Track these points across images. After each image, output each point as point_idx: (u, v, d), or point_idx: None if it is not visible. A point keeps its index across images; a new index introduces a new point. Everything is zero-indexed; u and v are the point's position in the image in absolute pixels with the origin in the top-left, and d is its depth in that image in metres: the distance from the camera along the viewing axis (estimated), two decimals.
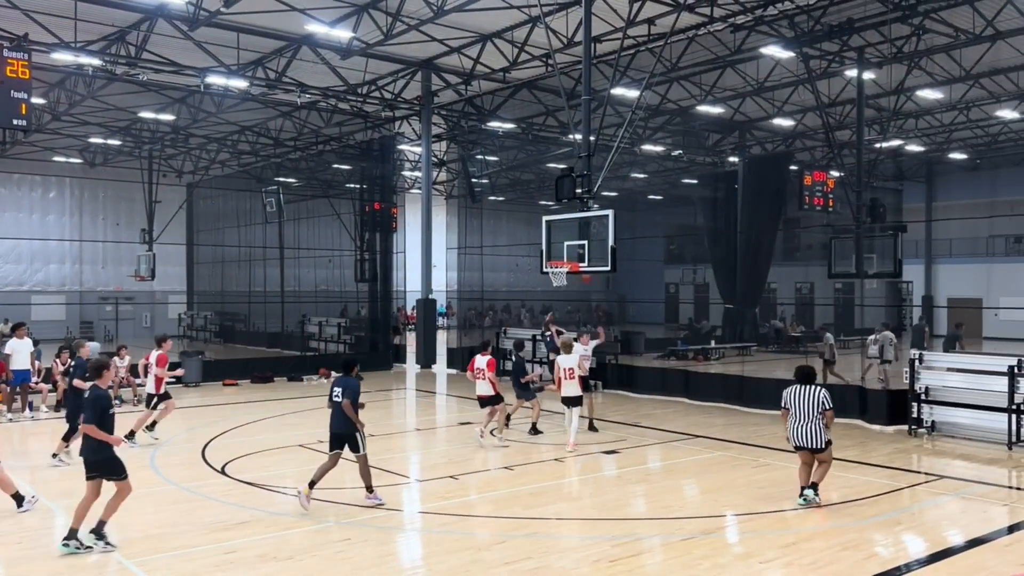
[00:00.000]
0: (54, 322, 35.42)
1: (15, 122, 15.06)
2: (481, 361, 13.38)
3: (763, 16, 18.01)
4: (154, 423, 13.72)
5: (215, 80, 21.60)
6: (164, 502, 10.01)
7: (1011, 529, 9.01)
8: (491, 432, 13.52)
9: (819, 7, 17.74)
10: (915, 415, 14.41)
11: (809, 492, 9.58)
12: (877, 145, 25.98)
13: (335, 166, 34.05)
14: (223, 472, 11.51)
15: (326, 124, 28.46)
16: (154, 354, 13.85)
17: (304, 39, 20.57)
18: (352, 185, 32.03)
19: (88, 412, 8.19)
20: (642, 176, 37.83)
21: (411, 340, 28.93)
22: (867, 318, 25.59)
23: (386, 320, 27.93)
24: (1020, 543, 8.57)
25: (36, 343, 18.09)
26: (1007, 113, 27.01)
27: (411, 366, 26.31)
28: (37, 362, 17.07)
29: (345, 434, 9.64)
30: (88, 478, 8.22)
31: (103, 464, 8.17)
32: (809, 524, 9.16)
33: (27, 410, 16.55)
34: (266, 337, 32.79)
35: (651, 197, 42.87)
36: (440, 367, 25.68)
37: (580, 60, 16.34)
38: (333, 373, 23.67)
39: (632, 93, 20.90)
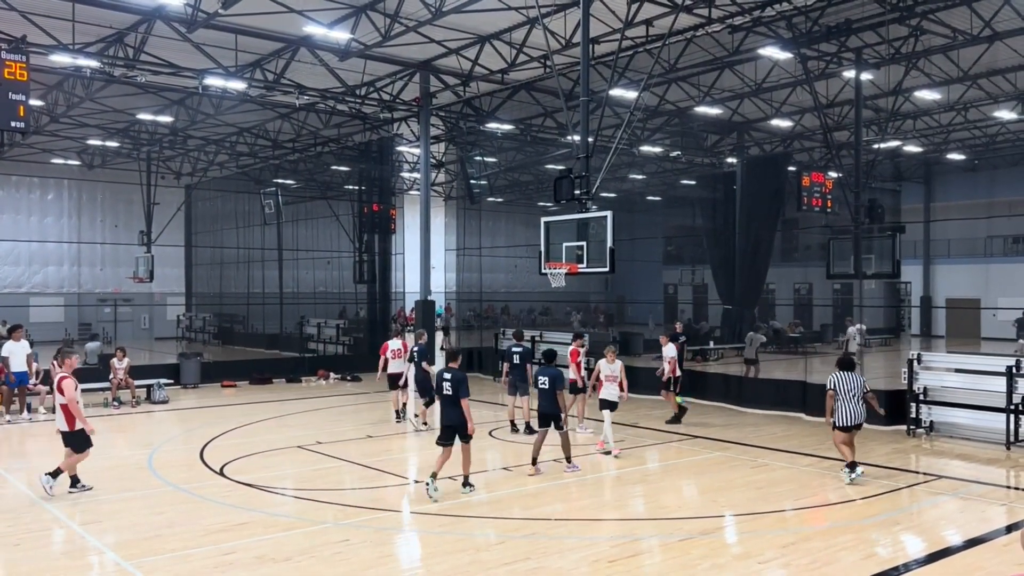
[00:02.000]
0: (53, 324, 35.42)
1: (13, 124, 15.03)
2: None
3: (761, 17, 18.02)
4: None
5: (213, 82, 21.59)
6: (162, 503, 10.00)
7: (1009, 529, 9.01)
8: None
9: (817, 8, 17.75)
10: (913, 415, 14.42)
11: (860, 468, 10.95)
12: (875, 146, 25.97)
13: (334, 168, 34.05)
14: (222, 473, 11.51)
15: (325, 126, 28.45)
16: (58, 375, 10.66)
17: (302, 40, 20.57)
18: (351, 186, 32.06)
19: None
20: (641, 177, 37.85)
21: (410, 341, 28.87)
22: (866, 318, 25.61)
23: (385, 321, 27.92)
24: (1018, 543, 8.58)
25: (32, 345, 18.12)
26: (1005, 114, 27.02)
27: (410, 367, 26.25)
28: (35, 364, 17.06)
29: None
30: None
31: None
32: (807, 524, 9.18)
33: (25, 412, 16.55)
34: (265, 339, 32.77)
35: (650, 198, 42.91)
36: (438, 368, 25.63)
37: (578, 61, 16.36)
38: (332, 375, 23.72)
39: (630, 94, 20.91)
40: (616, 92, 20.89)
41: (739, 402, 17.86)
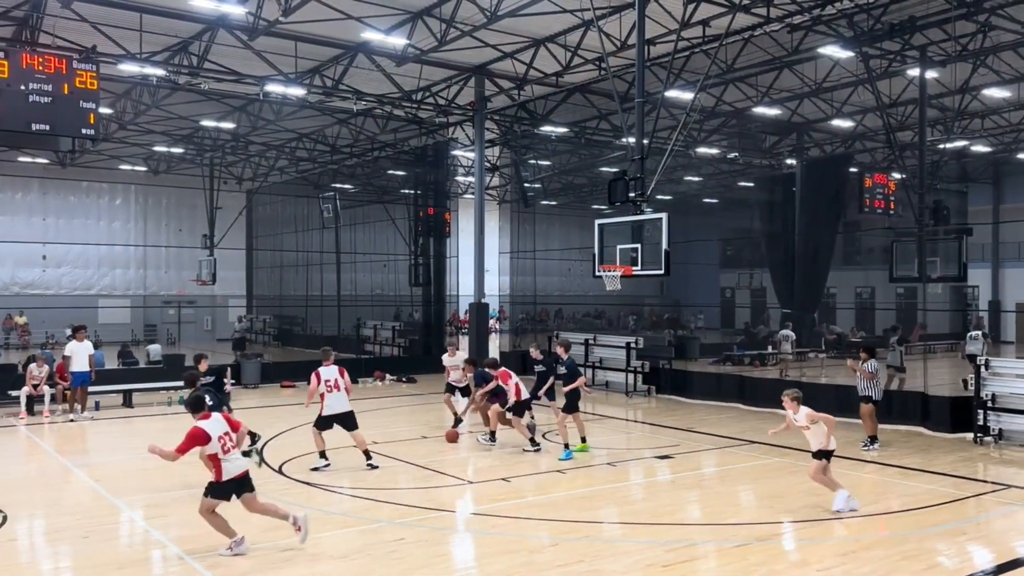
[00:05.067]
0: (120, 325, 36.59)
1: (84, 132, 15.58)
2: None
3: (821, 15, 17.67)
4: None
5: (274, 88, 22.08)
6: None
7: None
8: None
9: (879, 5, 17.33)
10: (981, 422, 13.97)
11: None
12: (941, 146, 25.27)
13: (390, 172, 34.46)
14: (280, 472, 11.73)
15: (381, 130, 28.81)
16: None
17: (360, 47, 20.88)
18: (407, 190, 32.39)
19: None
20: (697, 179, 37.43)
21: (464, 344, 29.07)
22: (930, 323, 24.89)
23: (439, 323, 28.14)
24: None
25: (97, 346, 18.68)
26: None
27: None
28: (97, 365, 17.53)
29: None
30: None
31: None
32: (868, 532, 8.95)
33: (86, 411, 17.06)
34: (323, 340, 33.24)
35: (706, 200, 42.40)
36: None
37: (633, 63, 16.26)
38: (388, 376, 23.99)
39: (686, 95, 20.71)
40: (672, 93, 20.72)
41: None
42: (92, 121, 15.37)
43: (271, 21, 17.93)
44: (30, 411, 17.08)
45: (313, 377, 11.84)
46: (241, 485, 8.10)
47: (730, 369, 24.96)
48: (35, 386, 17.24)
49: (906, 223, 21.46)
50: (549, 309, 43.74)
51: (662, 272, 13.86)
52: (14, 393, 17.29)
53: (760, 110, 25.49)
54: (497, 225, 41.17)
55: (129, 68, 19.97)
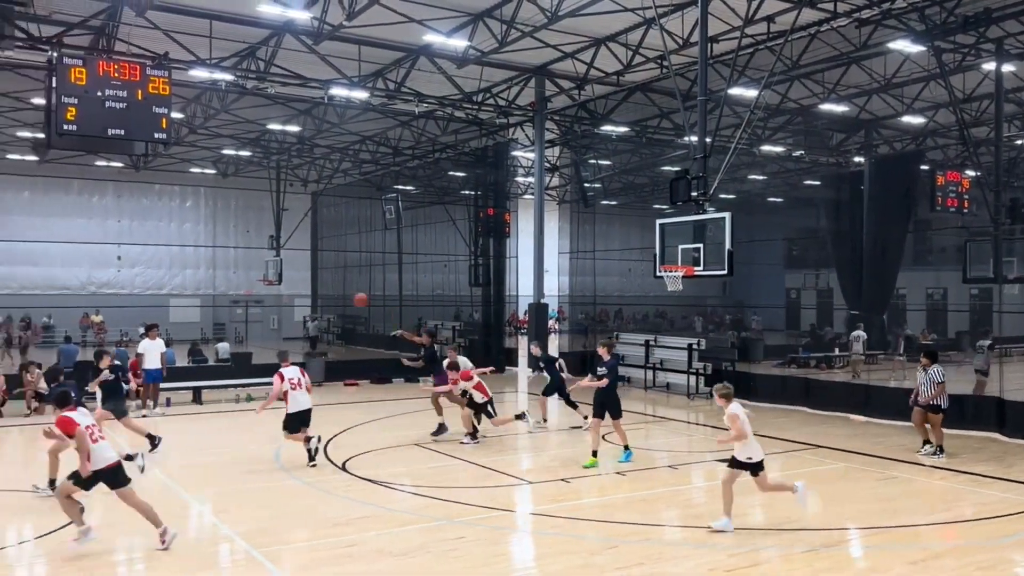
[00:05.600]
0: (190, 324, 37.71)
1: (156, 136, 16.10)
2: None
3: (891, 9, 17.17)
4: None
5: (338, 92, 22.47)
6: (289, 496, 10.46)
7: None
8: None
9: None
10: None
11: None
12: (1018, 142, 24.29)
13: (451, 173, 34.76)
14: (343, 468, 11.93)
15: (442, 132, 29.07)
16: None
17: (422, 49, 21.10)
18: (467, 191, 32.62)
19: None
20: (761, 177, 36.77)
21: (523, 344, 29.12)
22: (1007, 326, 23.94)
23: (499, 323, 28.24)
24: None
25: (168, 344, 19.27)
26: None
27: (523, 369, 26.50)
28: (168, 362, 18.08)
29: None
30: None
31: None
32: (940, 541, 8.67)
33: (158, 407, 17.60)
34: (385, 339, 33.75)
35: (771, 199, 41.63)
36: None
37: (696, 61, 16.07)
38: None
39: (750, 93, 20.36)
40: (735, 91, 20.39)
41: (863, 411, 17.04)
42: (164, 126, 15.87)
43: (335, 25, 18.25)
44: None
45: (276, 379, 12.10)
46: (111, 477, 8.21)
47: (795, 371, 24.44)
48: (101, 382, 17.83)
49: (980, 222, 20.74)
50: (609, 309, 43.46)
51: (725, 272, 13.65)
52: (90, 389, 17.91)
53: (827, 107, 24.91)
54: (557, 225, 41.13)
55: (199, 74, 20.56)
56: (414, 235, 34.69)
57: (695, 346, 20.86)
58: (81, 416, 8.30)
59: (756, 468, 8.94)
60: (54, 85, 15.35)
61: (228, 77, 21.45)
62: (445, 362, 14.53)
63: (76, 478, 8.16)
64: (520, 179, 37.90)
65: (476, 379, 13.86)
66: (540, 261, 25.86)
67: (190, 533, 9.10)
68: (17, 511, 9.78)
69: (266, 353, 27.52)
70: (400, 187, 35.44)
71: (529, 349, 16.30)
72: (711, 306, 46.11)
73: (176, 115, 25.46)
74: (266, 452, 12.97)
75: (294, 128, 29.18)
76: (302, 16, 18.24)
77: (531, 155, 30.43)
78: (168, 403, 18.04)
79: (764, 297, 44.04)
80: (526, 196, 38.78)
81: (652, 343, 22.16)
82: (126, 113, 15.28)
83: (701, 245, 13.78)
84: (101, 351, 14.58)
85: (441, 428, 14.40)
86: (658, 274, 14.71)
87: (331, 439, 14.07)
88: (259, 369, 19.99)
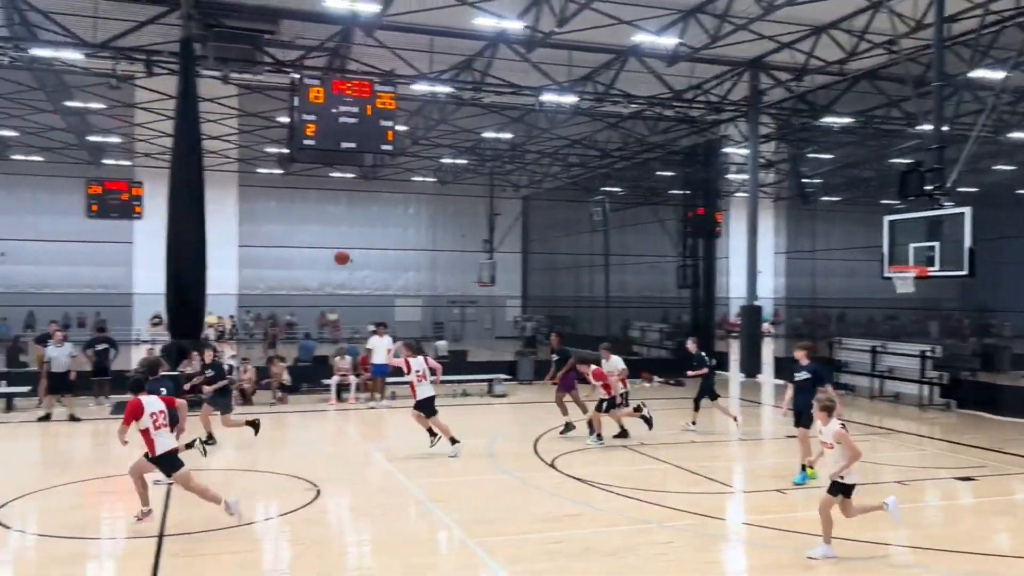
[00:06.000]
0: (412, 323, 40.09)
1: (383, 147, 17.32)
2: None
3: None
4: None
5: (548, 97, 22.97)
6: (501, 490, 10.83)
7: None
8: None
9: None
10: None
11: None
12: None
13: (659, 173, 34.38)
14: (552, 466, 12.16)
15: (651, 132, 28.84)
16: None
17: (631, 50, 21.06)
18: (676, 191, 32.11)
19: None
20: (1009, 168, 33.08)
21: (734, 348, 28.18)
22: None
23: (708, 327, 27.53)
24: None
25: (394, 341, 20.58)
26: None
27: (734, 374, 25.65)
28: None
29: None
30: None
31: None
32: None
33: (384, 399, 18.87)
34: (592, 341, 33.97)
35: (1020, 192, 37.34)
36: (766, 377, 24.72)
37: (930, 44, 14.80)
38: (655, 378, 23.92)
39: (995, 75, 18.41)
40: (977, 74, 18.55)
41: None
42: (390, 138, 17.03)
43: (546, 33, 18.68)
44: (338, 398, 19.23)
45: (404, 366, 12.71)
46: (168, 463, 8.64)
47: None
48: (343, 375, 19.42)
49: None
50: (829, 313, 40.95)
51: (965, 273, 12.47)
52: (326, 382, 19.56)
53: None
54: (772, 224, 39.44)
55: (421, 87, 21.84)
56: (621, 237, 34.66)
57: (929, 353, 19.18)
58: (150, 403, 8.83)
59: (850, 491, 8.12)
60: (296, 104, 16.94)
61: (447, 89, 22.61)
62: (568, 363, 14.99)
63: (167, 461, 8.65)
64: (732, 176, 36.76)
65: (606, 379, 13.77)
66: (753, 262, 24.94)
67: (411, 519, 9.68)
68: (264, 491, 10.89)
69: (481, 351, 28.70)
70: (607, 189, 35.55)
71: (687, 345, 16.12)
72: (948, 310, 42.09)
73: (400, 127, 27.20)
74: (479, 446, 13.51)
75: (507, 135, 30.17)
76: (515, 26, 18.82)
77: (744, 151, 29.42)
78: (393, 396, 19.27)
79: (1013, 300, 39.52)
80: (739, 194, 37.55)
81: (879, 349, 20.64)
82: (357, 127, 16.57)
83: (936, 243, 12.70)
84: (204, 344, 16.07)
85: (568, 427, 14.60)
86: (886, 275, 13.71)
87: (540, 436, 14.38)
88: (475, 366, 20.88)
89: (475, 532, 8.76)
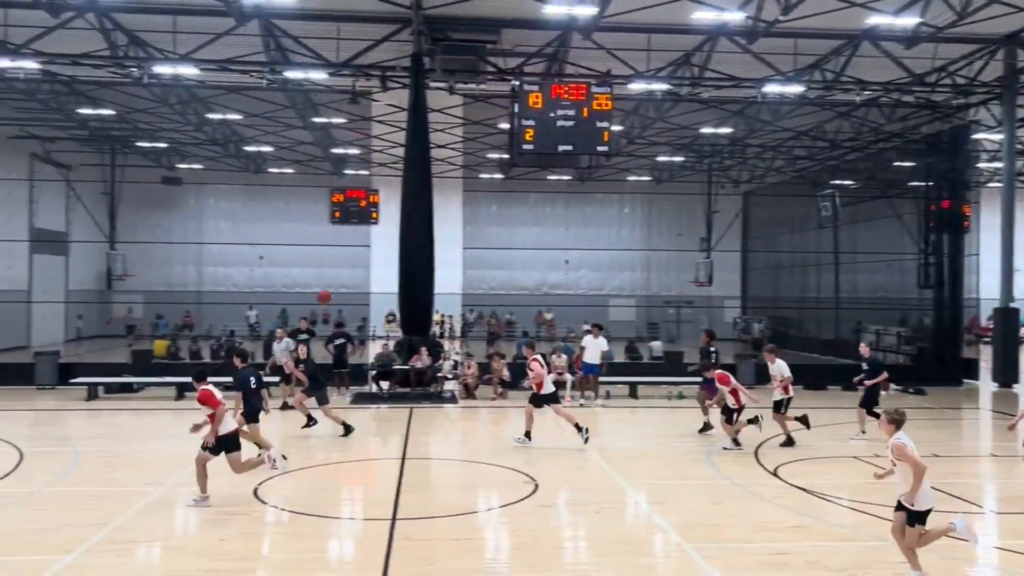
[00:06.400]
0: (626, 323, 40.02)
1: (599, 148, 17.45)
2: None
3: None
4: None
5: (771, 88, 22.02)
6: (720, 496, 10.54)
7: None
8: None
9: None
10: None
11: None
12: None
13: (896, 164, 31.81)
14: (775, 474, 11.66)
15: (887, 120, 26.77)
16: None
17: (865, 33, 19.71)
18: (916, 183, 29.57)
19: None
20: None
21: (986, 355, 25.45)
22: None
23: (955, 330, 25.12)
24: None
25: (610, 341, 20.62)
26: None
27: (985, 384, 23.18)
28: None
29: None
30: None
31: None
32: None
33: (598, 398, 18.91)
34: (819, 344, 32.13)
35: None
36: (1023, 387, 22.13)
37: None
38: (892, 385, 22.14)
39: None
40: None
41: None
42: (606, 139, 17.14)
43: (770, 22, 17.95)
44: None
45: (536, 365, 13.66)
46: (229, 443, 9.71)
47: None
48: (559, 373, 19.75)
49: None
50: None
51: None
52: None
53: None
54: None
55: (637, 86, 21.76)
56: (852, 233, 32.43)
57: None
58: (217, 391, 9.74)
59: (924, 518, 7.00)
60: (516, 110, 17.51)
61: (664, 87, 22.35)
62: (707, 373, 14.70)
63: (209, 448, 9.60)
64: (983, 165, 33.24)
65: (733, 385, 13.53)
66: (1009, 259, 22.46)
67: (627, 521, 9.68)
68: (486, 482, 11.37)
69: (698, 354, 27.99)
70: (837, 182, 33.40)
71: (859, 349, 15.33)
72: None
73: (615, 127, 27.25)
74: (697, 449, 13.24)
75: (726, 130, 29.28)
76: (736, 17, 18.25)
77: (998, 136, 26.50)
78: (608, 395, 19.33)
79: None
80: (991, 184, 33.89)
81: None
82: (573, 130, 16.83)
83: None
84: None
85: (706, 426, 14.75)
86: None
87: (762, 443, 13.84)
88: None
89: (692, 537, 8.61)
